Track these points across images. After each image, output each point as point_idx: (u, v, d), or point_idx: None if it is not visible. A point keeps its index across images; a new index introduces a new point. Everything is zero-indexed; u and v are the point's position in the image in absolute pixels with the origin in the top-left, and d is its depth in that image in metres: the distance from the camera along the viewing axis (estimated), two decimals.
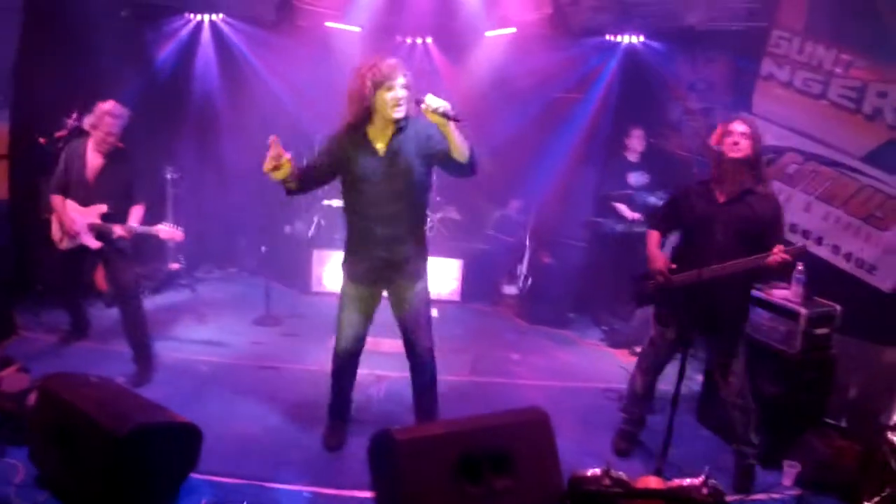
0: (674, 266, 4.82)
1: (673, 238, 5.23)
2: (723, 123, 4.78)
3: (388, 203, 4.52)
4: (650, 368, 5.23)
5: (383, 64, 4.36)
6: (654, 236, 5.10)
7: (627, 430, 5.38)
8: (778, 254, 4.33)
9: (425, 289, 4.88)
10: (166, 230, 5.80)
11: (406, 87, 4.38)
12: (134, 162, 6.01)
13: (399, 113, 4.36)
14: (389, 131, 4.49)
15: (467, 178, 4.60)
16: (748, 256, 4.51)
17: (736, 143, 4.57)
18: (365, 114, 4.44)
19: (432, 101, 4.08)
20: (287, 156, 4.21)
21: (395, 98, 4.33)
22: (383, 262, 4.65)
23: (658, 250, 4.99)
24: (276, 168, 4.19)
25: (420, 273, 4.81)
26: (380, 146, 4.49)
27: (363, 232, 4.66)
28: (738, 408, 4.87)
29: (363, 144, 4.51)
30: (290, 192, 4.56)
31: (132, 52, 8.61)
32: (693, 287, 4.56)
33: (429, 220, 4.64)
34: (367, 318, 4.93)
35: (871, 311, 5.82)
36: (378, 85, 4.33)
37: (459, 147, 4.21)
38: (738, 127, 4.62)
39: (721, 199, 4.71)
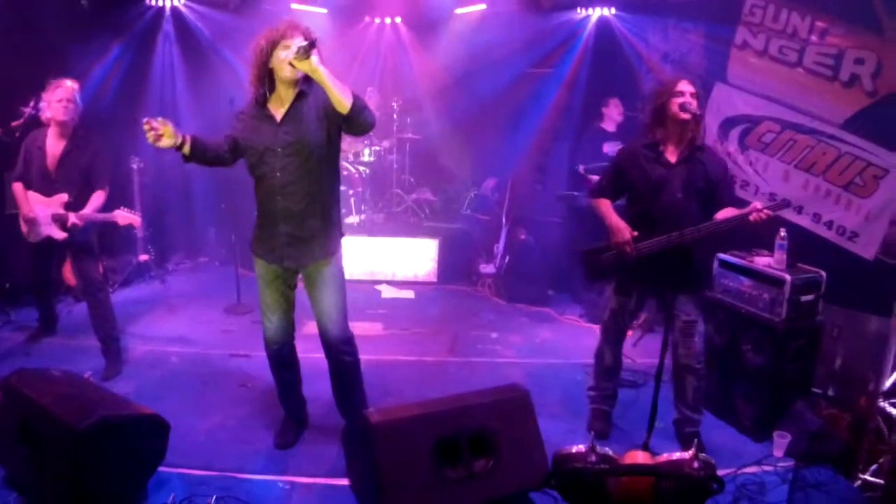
0: (636, 234, 4.66)
1: None
2: (664, 83, 4.71)
3: (288, 173, 4.23)
4: (617, 339, 5.09)
5: (281, 23, 4.11)
6: (607, 205, 4.89)
7: (601, 408, 5.21)
8: (762, 210, 4.26)
9: (336, 270, 4.53)
10: (124, 216, 5.60)
11: None
12: (94, 145, 5.83)
13: (291, 72, 4.05)
14: (289, 99, 4.22)
15: (363, 135, 4.38)
16: (702, 214, 4.48)
17: (689, 104, 4.46)
18: (264, 81, 4.18)
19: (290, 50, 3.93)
20: (162, 122, 3.98)
21: (288, 52, 3.98)
22: (287, 237, 4.35)
23: (620, 220, 4.76)
24: (158, 137, 3.98)
25: (329, 252, 4.45)
26: (278, 114, 4.23)
27: (266, 205, 4.37)
28: (695, 372, 4.77)
29: (263, 115, 4.25)
30: (186, 160, 4.29)
31: (93, 40, 8.38)
32: (659, 253, 4.50)
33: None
34: (287, 300, 4.62)
35: (854, 279, 5.76)
36: (274, 44, 4.05)
37: (335, 93, 3.89)
38: (687, 87, 4.53)
39: (673, 159, 4.61)
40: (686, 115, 4.46)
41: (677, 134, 4.58)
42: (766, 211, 4.26)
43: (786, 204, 4.47)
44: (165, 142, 4.02)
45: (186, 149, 4.18)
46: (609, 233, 4.80)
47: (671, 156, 4.62)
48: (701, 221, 4.48)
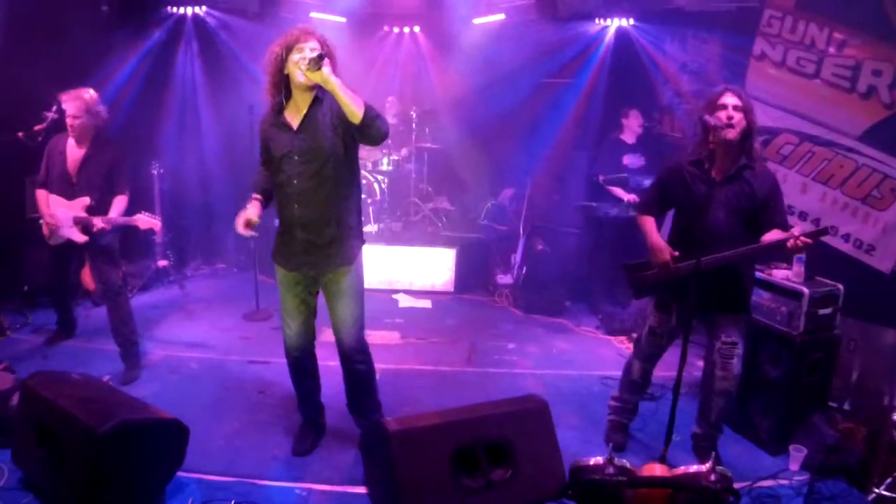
0: (676, 254, 4.54)
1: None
2: (711, 95, 4.46)
3: (304, 180, 4.26)
4: (650, 356, 4.98)
5: (295, 29, 4.18)
6: (650, 223, 4.79)
7: (619, 420, 5.17)
8: (799, 238, 4.03)
9: (355, 279, 4.54)
10: (145, 220, 5.61)
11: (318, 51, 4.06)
12: (115, 150, 5.86)
13: (304, 79, 4.08)
14: (305, 105, 4.24)
15: (376, 145, 4.52)
16: (747, 234, 4.36)
17: (731, 118, 4.25)
18: (280, 88, 4.24)
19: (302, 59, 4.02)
20: (254, 213, 4.44)
21: (302, 59, 4.01)
22: (305, 244, 4.38)
23: (661, 240, 4.65)
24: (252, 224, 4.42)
25: (347, 259, 4.45)
26: (294, 121, 4.26)
27: (284, 212, 4.42)
28: (725, 395, 4.65)
29: (281, 123, 4.29)
30: (267, 206, 4.63)
31: (114, 46, 8.47)
32: (699, 272, 4.25)
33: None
34: (308, 307, 4.65)
35: (871, 292, 5.74)
36: (288, 49, 4.11)
37: (347, 103, 3.93)
38: (730, 99, 4.30)
39: (718, 177, 4.39)
40: (731, 134, 4.27)
41: (722, 151, 4.37)
42: (802, 238, 4.04)
43: (826, 231, 4.31)
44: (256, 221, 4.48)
45: (265, 201, 4.56)
46: (650, 252, 4.70)
47: (717, 174, 4.40)
48: (745, 242, 4.34)
